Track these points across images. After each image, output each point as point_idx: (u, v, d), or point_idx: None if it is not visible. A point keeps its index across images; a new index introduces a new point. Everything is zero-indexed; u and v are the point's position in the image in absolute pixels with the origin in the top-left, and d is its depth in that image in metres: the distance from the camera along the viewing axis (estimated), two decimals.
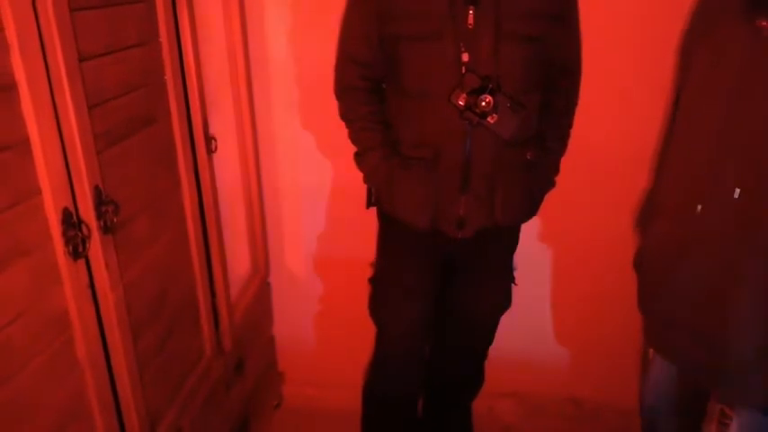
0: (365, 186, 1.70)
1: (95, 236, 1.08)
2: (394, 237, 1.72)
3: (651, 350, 1.49)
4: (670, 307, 1.32)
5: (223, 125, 1.76)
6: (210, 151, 1.58)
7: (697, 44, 1.27)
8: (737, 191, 1.13)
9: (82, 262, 1.06)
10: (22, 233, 0.94)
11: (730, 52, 1.15)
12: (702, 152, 1.20)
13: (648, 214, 1.53)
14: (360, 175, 1.66)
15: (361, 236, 1.98)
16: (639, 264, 1.45)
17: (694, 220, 1.21)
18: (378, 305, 1.81)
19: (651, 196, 1.70)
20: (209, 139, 1.57)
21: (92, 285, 1.11)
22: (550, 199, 1.69)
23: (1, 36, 0.87)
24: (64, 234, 1.00)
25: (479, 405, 2.10)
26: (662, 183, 1.36)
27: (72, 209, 1.03)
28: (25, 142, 0.93)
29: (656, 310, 1.39)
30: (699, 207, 1.19)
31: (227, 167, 1.82)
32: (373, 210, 1.75)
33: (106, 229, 1.11)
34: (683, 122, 1.31)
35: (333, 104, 1.64)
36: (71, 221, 1.02)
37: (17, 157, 0.92)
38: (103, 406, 1.16)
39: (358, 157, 1.63)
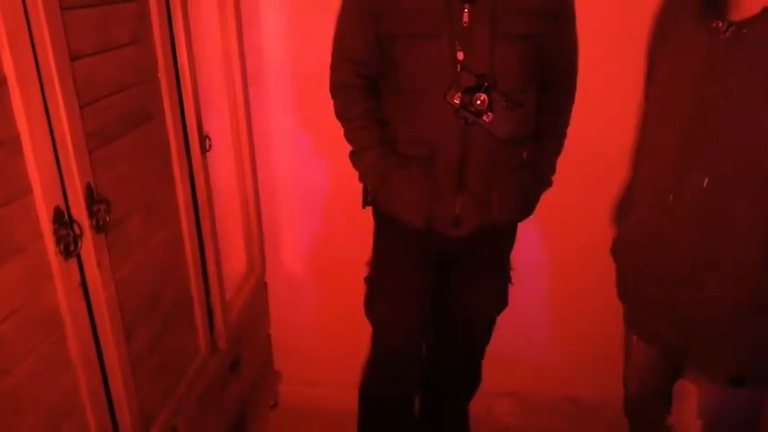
0: (361, 185, 1.70)
1: (87, 234, 1.08)
2: (390, 236, 1.72)
3: (633, 338, 1.55)
4: (645, 291, 1.40)
5: (218, 124, 1.76)
6: (205, 150, 1.58)
7: (661, 43, 1.34)
8: (706, 180, 1.19)
9: (74, 261, 1.06)
10: (13, 232, 0.94)
11: (691, 52, 1.22)
12: (671, 146, 1.26)
13: (626, 205, 1.60)
14: (356, 174, 1.66)
15: (358, 235, 1.98)
16: (616, 251, 1.51)
17: (667, 209, 1.28)
18: (373, 304, 1.80)
19: (629, 188, 1.76)
20: (203, 137, 1.56)
21: (84, 284, 1.10)
22: (547, 198, 1.68)
23: None
24: (55, 233, 1.00)
25: (477, 405, 2.11)
26: (637, 175, 1.44)
27: (63, 207, 1.02)
28: (15, 140, 0.93)
29: (633, 295, 1.47)
30: (671, 197, 1.26)
31: (222, 166, 1.81)
32: (369, 209, 1.75)
33: (98, 228, 1.11)
34: (651, 118, 1.38)
35: (328, 103, 1.63)
36: (62, 220, 1.02)
37: (7, 155, 0.92)
38: (96, 404, 1.16)
39: (354, 155, 1.63)
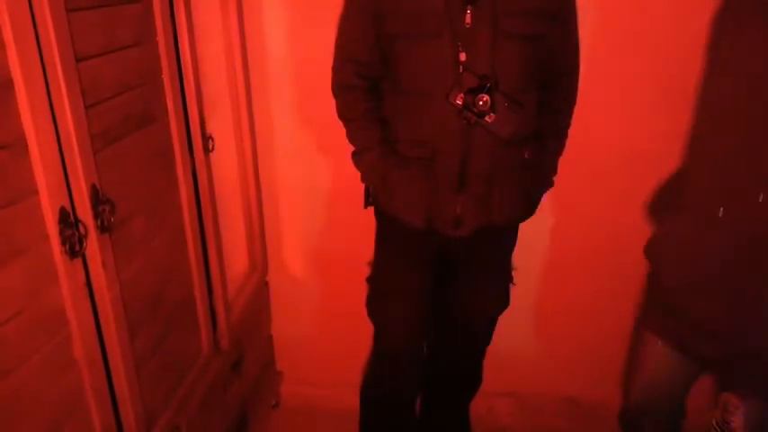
0: (363, 185, 1.70)
1: (92, 235, 1.08)
2: (391, 236, 1.72)
3: (650, 345, 1.48)
4: (685, 302, 1.32)
5: (221, 124, 1.77)
6: (208, 150, 1.59)
7: (722, 43, 1.27)
8: (761, 195, 1.12)
9: (79, 261, 1.07)
10: (19, 232, 0.95)
11: (754, 54, 1.14)
12: (727, 155, 1.20)
13: (668, 205, 1.53)
14: (357, 175, 1.67)
15: (359, 235, 1.98)
16: (651, 255, 1.44)
17: (714, 222, 1.20)
18: (375, 304, 1.81)
19: (674, 187, 1.68)
20: (206, 138, 1.57)
21: (88, 284, 1.11)
22: (548, 198, 1.69)
23: None
24: (61, 233, 1.01)
25: (478, 405, 2.11)
26: (686, 180, 1.35)
27: (69, 208, 1.03)
28: (21, 141, 0.93)
29: (671, 303, 1.38)
30: (720, 210, 1.19)
31: (225, 166, 1.82)
32: (371, 209, 1.75)
33: (103, 229, 1.11)
34: (708, 124, 1.30)
35: (330, 103, 1.64)
36: (68, 221, 1.02)
37: (13, 156, 0.92)
38: (100, 404, 1.16)
39: (355, 155, 1.63)
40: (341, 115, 1.63)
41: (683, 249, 1.33)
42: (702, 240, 1.25)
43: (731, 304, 1.22)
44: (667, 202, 1.70)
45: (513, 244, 1.77)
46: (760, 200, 1.12)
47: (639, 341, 1.56)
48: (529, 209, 1.66)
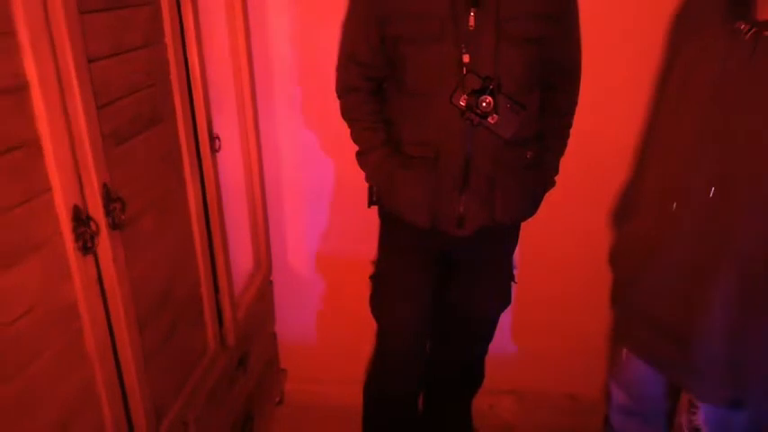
0: (366, 185, 1.73)
1: (104, 232, 1.11)
2: (395, 235, 1.74)
3: (624, 352, 1.48)
4: (641, 304, 1.33)
5: (226, 125, 1.79)
6: (214, 150, 1.61)
7: (680, 45, 1.29)
8: (712, 189, 1.14)
9: (91, 257, 1.09)
10: (35, 229, 0.97)
11: (709, 54, 1.17)
12: (680, 151, 1.22)
13: (625, 211, 1.54)
14: (361, 174, 1.69)
15: (362, 234, 2.01)
16: (613, 260, 1.47)
17: (669, 218, 1.22)
18: (379, 302, 1.83)
19: (629, 193, 1.72)
20: (213, 138, 1.60)
21: (99, 280, 1.14)
22: (550, 198, 1.71)
23: (14, 38, 0.90)
24: (74, 230, 1.03)
25: (480, 403, 2.13)
26: (640, 180, 1.37)
27: (81, 206, 1.06)
28: (37, 141, 0.96)
29: (628, 307, 1.40)
30: (674, 205, 1.21)
31: (230, 166, 1.84)
32: (374, 208, 1.78)
33: (114, 226, 1.14)
34: (663, 121, 1.32)
35: (334, 104, 1.66)
36: (81, 218, 1.05)
37: (30, 155, 0.95)
38: (111, 398, 1.19)
39: (360, 156, 1.66)
40: (345, 116, 1.66)
41: (638, 248, 1.33)
42: (658, 237, 1.26)
43: (690, 306, 1.21)
44: (624, 210, 1.71)
45: (515, 243, 1.79)
46: (710, 195, 1.13)
47: (615, 350, 1.55)
48: (531, 208, 1.68)
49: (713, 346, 1.20)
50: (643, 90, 1.76)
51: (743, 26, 1.10)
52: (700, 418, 1.33)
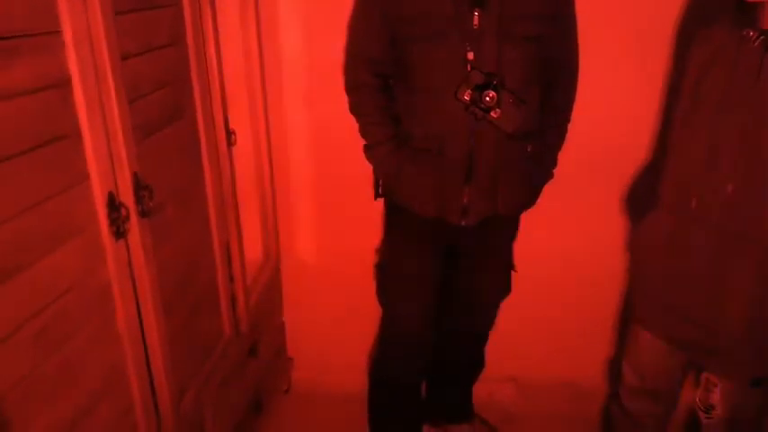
0: (372, 177, 1.78)
1: (134, 218, 1.18)
2: (401, 225, 1.80)
3: (641, 336, 1.54)
4: (665, 292, 1.40)
5: (239, 120, 1.86)
6: (230, 144, 1.68)
7: (691, 46, 1.35)
8: (730, 186, 1.20)
9: (122, 242, 1.16)
10: (74, 214, 1.04)
11: (722, 58, 1.23)
12: (698, 149, 1.27)
13: (646, 202, 1.58)
14: (367, 167, 1.75)
15: (368, 225, 2.05)
16: (633, 250, 1.52)
17: (688, 214, 1.29)
18: (385, 291, 1.89)
19: (649, 181, 1.73)
20: (229, 132, 1.66)
21: (129, 264, 1.21)
22: (549, 189, 1.77)
23: (59, 37, 0.97)
24: (109, 216, 1.11)
25: (480, 390, 2.17)
26: (663, 175, 1.42)
27: (115, 193, 1.13)
28: (77, 132, 1.03)
29: (649, 293, 1.46)
30: (693, 202, 1.27)
31: (242, 160, 1.90)
32: (380, 200, 1.83)
33: (143, 213, 1.21)
34: (680, 120, 1.38)
35: (342, 99, 1.72)
36: (114, 204, 1.12)
37: (72, 145, 1.02)
38: (140, 377, 1.26)
39: (368, 149, 1.72)
40: (353, 111, 1.71)
41: (659, 241, 1.39)
42: (678, 232, 1.33)
43: (712, 293, 1.28)
44: (643, 196, 1.74)
45: (516, 232, 1.85)
46: (729, 191, 1.20)
47: (629, 333, 1.62)
48: (530, 199, 1.74)
49: (736, 330, 1.27)
50: (643, 90, 1.83)
51: (751, 33, 1.17)
52: (715, 396, 1.40)
